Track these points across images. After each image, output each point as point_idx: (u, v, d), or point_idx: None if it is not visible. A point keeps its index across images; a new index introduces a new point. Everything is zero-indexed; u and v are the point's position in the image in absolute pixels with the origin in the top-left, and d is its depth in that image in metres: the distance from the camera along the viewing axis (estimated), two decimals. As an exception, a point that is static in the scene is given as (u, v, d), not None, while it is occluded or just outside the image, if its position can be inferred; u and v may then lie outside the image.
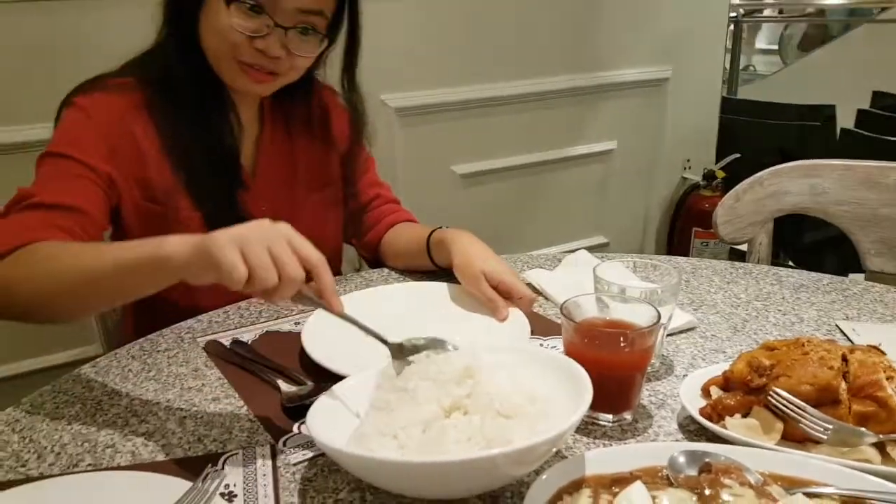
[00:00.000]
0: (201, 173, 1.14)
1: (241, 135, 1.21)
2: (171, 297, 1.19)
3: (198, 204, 1.15)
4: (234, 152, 1.19)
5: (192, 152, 1.13)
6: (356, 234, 1.41)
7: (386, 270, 1.33)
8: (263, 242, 0.73)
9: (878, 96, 3.60)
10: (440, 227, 1.26)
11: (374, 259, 1.41)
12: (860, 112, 3.23)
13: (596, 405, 0.81)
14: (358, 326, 0.82)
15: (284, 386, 0.88)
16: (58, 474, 0.75)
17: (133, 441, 0.81)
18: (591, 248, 2.70)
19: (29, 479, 0.74)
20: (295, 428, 0.82)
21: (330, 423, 0.70)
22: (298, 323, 1.04)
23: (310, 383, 0.88)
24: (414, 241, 1.29)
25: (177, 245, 0.77)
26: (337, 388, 0.76)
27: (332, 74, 1.28)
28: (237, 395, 0.90)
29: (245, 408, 0.87)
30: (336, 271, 1.38)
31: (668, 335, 1.02)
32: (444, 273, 1.20)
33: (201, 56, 1.12)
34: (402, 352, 0.83)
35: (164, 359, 1.00)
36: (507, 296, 1.10)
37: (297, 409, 0.82)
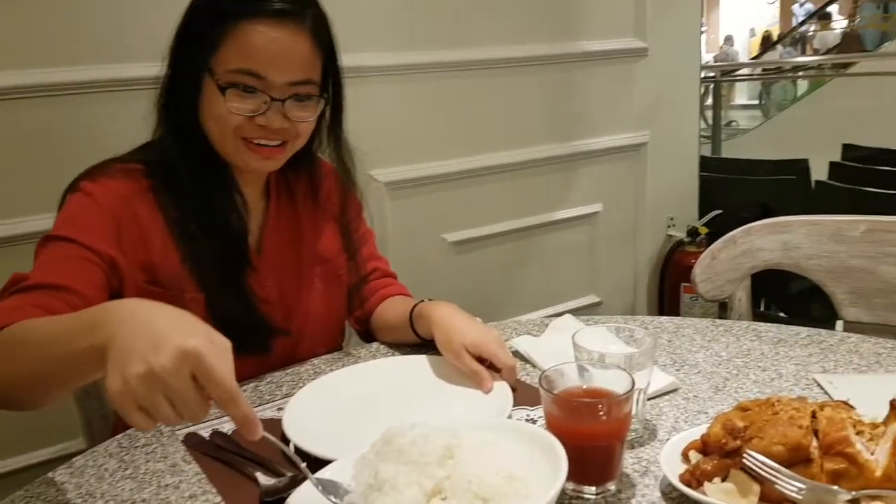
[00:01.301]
0: (207, 257, 1.16)
1: (248, 215, 1.24)
2: None
3: (202, 287, 1.16)
4: (240, 235, 1.21)
5: (197, 237, 1.16)
6: (350, 308, 1.41)
7: (374, 345, 1.34)
8: (159, 387, 0.66)
9: (847, 148, 3.70)
10: (423, 301, 1.28)
11: (367, 333, 1.41)
12: (832, 164, 3.31)
13: (579, 478, 0.82)
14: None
15: (263, 478, 0.86)
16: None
17: (106, 545, 0.79)
18: (583, 308, 2.76)
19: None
20: None
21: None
22: (281, 409, 1.04)
23: (289, 474, 0.86)
24: (399, 314, 1.30)
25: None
26: (313, 480, 0.76)
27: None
28: (214, 491, 0.88)
29: (221, 501, 0.86)
30: (338, 347, 1.39)
31: (650, 398, 1.03)
32: (432, 345, 1.20)
33: (202, 143, 1.16)
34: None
35: (142, 455, 0.98)
36: (491, 366, 1.12)
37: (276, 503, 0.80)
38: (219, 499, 0.87)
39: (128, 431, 1.05)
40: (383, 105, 2.19)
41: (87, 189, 1.13)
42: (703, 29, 2.99)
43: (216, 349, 0.68)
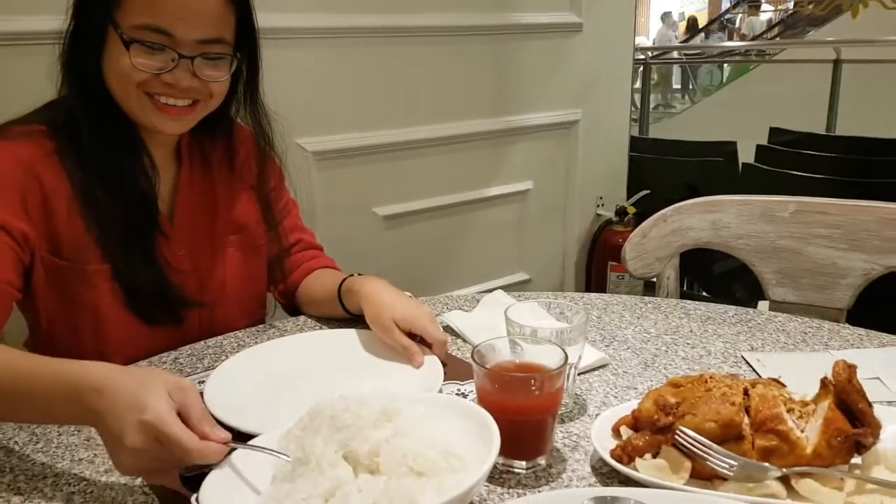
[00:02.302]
0: (113, 223, 1.10)
1: (156, 177, 1.16)
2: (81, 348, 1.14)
3: (107, 256, 1.10)
4: (148, 199, 1.14)
5: (102, 201, 1.08)
6: (273, 281, 1.36)
7: (302, 319, 1.29)
8: (145, 456, 0.73)
9: (774, 132, 3.81)
10: (353, 275, 1.24)
11: (292, 307, 1.37)
12: (759, 147, 3.39)
13: (509, 452, 0.81)
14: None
15: None
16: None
17: (14, 523, 0.75)
18: (513, 286, 2.75)
19: None
20: (193, 500, 0.74)
21: (228, 495, 0.66)
22: (202, 381, 0.99)
23: None
24: (327, 288, 1.26)
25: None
26: (237, 454, 0.72)
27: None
28: (132, 467, 0.84)
29: (140, 479, 0.81)
30: (260, 320, 1.33)
31: (581, 374, 1.02)
32: (361, 320, 1.17)
33: (107, 102, 1.09)
34: None
35: (54, 428, 0.93)
36: (422, 341, 1.09)
37: (196, 479, 0.75)
38: (136, 474, 0.82)
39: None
40: (310, 70, 2.11)
41: None
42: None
43: (176, 402, 0.74)
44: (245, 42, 1.15)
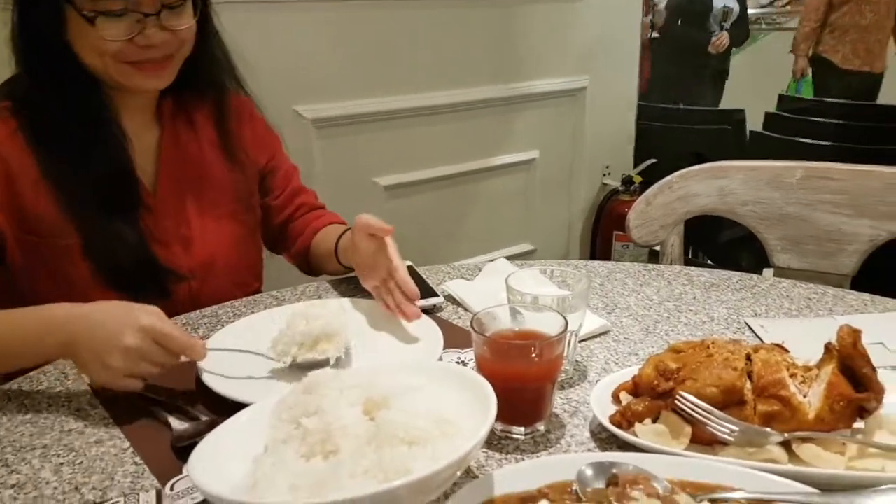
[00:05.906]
0: (83, 197, 1.07)
1: (130, 147, 1.12)
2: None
3: (80, 232, 1.08)
4: (123, 168, 1.11)
5: (70, 176, 1.06)
6: (286, 247, 1.36)
7: (300, 288, 1.26)
8: (136, 356, 0.85)
9: (783, 99, 3.76)
10: (348, 230, 1.23)
11: (309, 268, 1.37)
12: (767, 115, 3.35)
13: (508, 418, 0.80)
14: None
15: (175, 423, 0.82)
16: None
17: (0, 494, 0.74)
18: (517, 256, 2.74)
19: None
20: (184, 469, 0.75)
21: (218, 464, 0.65)
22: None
23: (204, 418, 0.82)
24: (329, 247, 1.25)
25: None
26: (229, 423, 0.71)
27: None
28: (123, 436, 0.83)
29: (131, 449, 0.80)
30: (255, 292, 1.31)
31: (582, 340, 1.01)
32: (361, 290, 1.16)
33: (70, 76, 1.07)
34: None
35: (44, 398, 0.92)
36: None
37: (189, 449, 0.73)
38: (127, 444, 0.82)
39: (29, 374, 0.98)
40: (308, 35, 2.08)
41: None
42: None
43: (158, 316, 0.88)
44: None
